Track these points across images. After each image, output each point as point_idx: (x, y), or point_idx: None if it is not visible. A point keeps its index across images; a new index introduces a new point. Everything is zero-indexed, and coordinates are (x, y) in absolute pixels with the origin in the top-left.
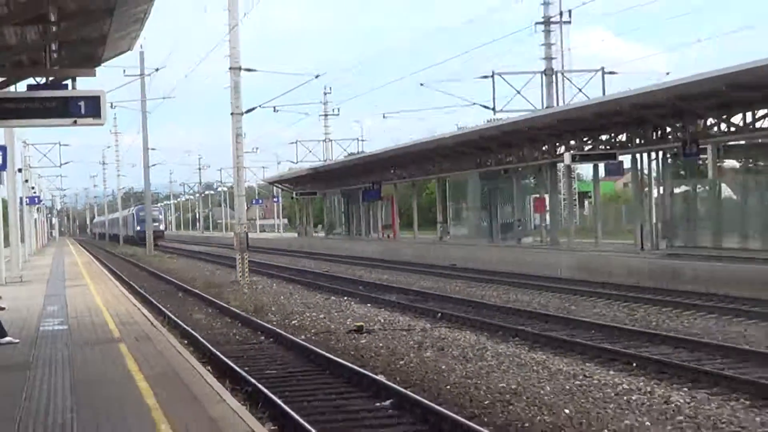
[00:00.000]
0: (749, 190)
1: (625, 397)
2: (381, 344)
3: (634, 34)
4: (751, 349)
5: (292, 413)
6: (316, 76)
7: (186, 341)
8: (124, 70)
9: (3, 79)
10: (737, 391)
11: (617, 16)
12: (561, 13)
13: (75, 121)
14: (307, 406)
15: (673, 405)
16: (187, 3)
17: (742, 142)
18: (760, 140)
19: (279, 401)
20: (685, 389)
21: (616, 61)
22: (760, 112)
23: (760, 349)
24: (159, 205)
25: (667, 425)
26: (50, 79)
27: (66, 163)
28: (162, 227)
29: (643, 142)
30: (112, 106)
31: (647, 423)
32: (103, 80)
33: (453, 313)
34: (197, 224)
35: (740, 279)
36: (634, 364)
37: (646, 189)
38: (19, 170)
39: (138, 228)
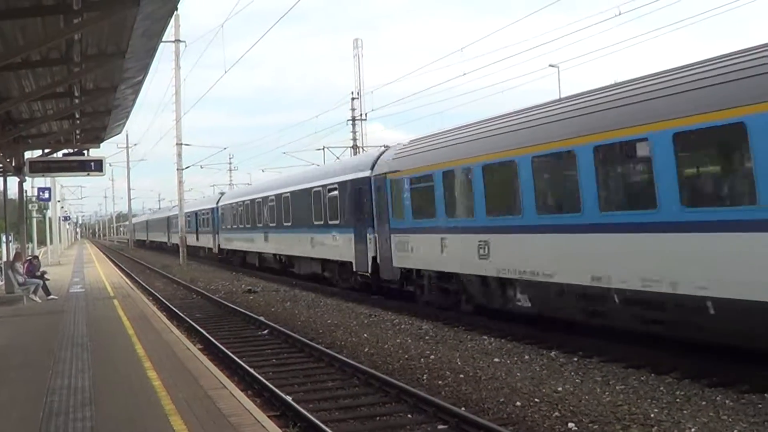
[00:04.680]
0: None
1: (398, 326)
2: (262, 299)
3: (396, 128)
4: None
5: (210, 337)
6: (224, 148)
7: (150, 298)
8: (117, 144)
9: (49, 150)
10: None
11: (386, 118)
12: (360, 115)
13: (88, 173)
14: (220, 334)
15: (423, 329)
16: (152, 106)
17: None
18: None
19: (203, 332)
20: (431, 321)
21: (387, 141)
22: None
23: None
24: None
25: (419, 341)
26: (75, 149)
27: (84, 197)
28: None
29: None
30: (110, 165)
31: (409, 340)
32: (105, 149)
33: (299, 282)
34: None
35: None
36: (403, 311)
37: None
38: (58, 201)
39: None
